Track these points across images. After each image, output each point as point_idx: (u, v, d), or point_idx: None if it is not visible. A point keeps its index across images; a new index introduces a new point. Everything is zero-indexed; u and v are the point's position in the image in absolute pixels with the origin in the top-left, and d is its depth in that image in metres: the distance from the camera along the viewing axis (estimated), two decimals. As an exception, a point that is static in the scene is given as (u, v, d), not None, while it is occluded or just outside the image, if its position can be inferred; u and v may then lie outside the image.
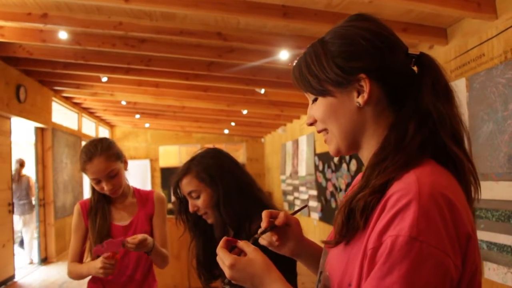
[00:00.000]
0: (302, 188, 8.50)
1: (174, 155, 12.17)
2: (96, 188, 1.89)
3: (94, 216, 1.92)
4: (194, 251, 1.62)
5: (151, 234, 1.98)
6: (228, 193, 1.48)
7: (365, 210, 0.75)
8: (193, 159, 1.56)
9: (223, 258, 0.89)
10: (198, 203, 1.50)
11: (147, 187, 11.65)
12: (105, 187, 1.85)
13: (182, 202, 1.58)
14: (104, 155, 1.82)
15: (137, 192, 2.06)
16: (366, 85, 0.80)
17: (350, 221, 0.77)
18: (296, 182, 8.88)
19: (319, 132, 0.90)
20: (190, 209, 1.52)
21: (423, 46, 3.92)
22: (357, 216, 0.75)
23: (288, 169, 9.56)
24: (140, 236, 1.73)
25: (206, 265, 1.59)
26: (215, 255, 1.52)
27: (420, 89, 0.81)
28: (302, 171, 8.41)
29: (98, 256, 1.76)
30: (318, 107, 0.87)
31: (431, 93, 0.80)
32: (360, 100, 0.81)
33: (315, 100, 0.88)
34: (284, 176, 9.99)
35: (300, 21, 3.48)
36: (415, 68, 0.85)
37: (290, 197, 9.54)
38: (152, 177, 11.99)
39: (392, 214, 0.68)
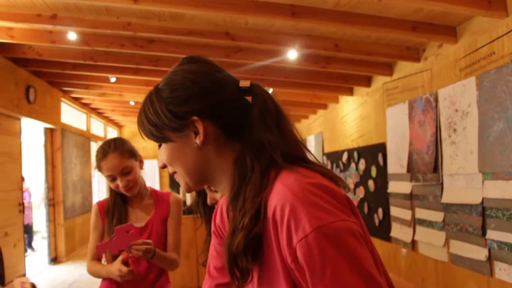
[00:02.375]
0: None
1: (182, 155, 12.19)
2: (112, 186, 1.92)
3: (110, 217, 1.94)
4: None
5: (165, 236, 1.99)
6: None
7: (247, 250, 0.78)
8: None
9: None
10: (217, 196, 1.53)
11: (156, 187, 11.67)
12: (120, 184, 1.88)
13: (201, 195, 1.61)
14: (118, 151, 1.87)
15: (154, 193, 2.08)
16: (200, 127, 0.84)
17: (240, 266, 0.80)
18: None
19: (171, 174, 0.92)
20: (209, 202, 1.55)
21: (432, 44, 3.90)
22: (243, 260, 0.78)
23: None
24: (148, 245, 1.77)
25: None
26: None
27: (251, 121, 0.85)
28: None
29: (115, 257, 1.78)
30: (163, 152, 0.90)
31: (260, 123, 0.84)
32: (198, 141, 0.85)
33: (160, 145, 0.91)
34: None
35: (309, 21, 3.47)
36: (250, 99, 0.88)
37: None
38: (161, 177, 12.03)
39: (286, 223, 0.72)
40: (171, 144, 0.88)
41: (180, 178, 0.91)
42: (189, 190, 0.92)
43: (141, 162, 2.00)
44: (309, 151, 0.88)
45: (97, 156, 1.90)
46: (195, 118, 0.83)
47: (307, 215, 0.70)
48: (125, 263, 1.75)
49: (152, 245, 1.80)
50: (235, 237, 0.79)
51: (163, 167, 0.93)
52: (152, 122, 0.87)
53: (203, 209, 1.63)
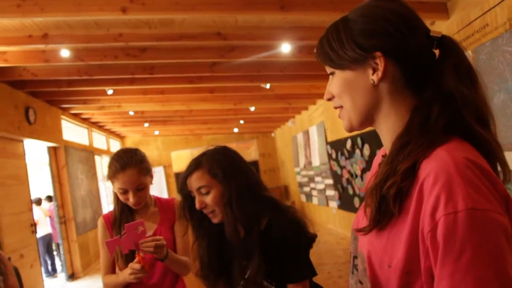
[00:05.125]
0: (317, 178, 8.48)
1: (186, 159, 12.07)
2: (121, 198, 1.89)
3: (118, 227, 1.91)
4: (198, 254, 1.56)
5: (174, 242, 1.99)
6: (241, 191, 1.44)
7: (397, 196, 0.75)
8: (204, 154, 1.52)
9: None
10: (206, 200, 1.46)
11: (164, 194, 11.72)
12: (131, 199, 1.86)
13: (187, 198, 1.53)
14: (137, 167, 1.84)
15: (158, 201, 2.06)
16: (381, 63, 0.81)
17: (383, 208, 0.78)
18: (311, 172, 8.87)
19: (335, 108, 0.92)
20: (197, 206, 1.47)
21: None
22: (390, 203, 0.76)
23: (302, 161, 9.55)
24: (158, 241, 1.74)
25: (212, 266, 1.54)
26: (221, 255, 1.51)
27: (442, 72, 0.81)
28: (316, 161, 8.40)
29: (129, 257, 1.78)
30: (335, 81, 0.89)
31: (453, 76, 0.79)
32: (375, 77, 0.83)
33: (332, 73, 0.90)
34: (298, 168, 9.98)
35: (298, 13, 3.46)
36: (436, 51, 0.85)
37: (306, 189, 9.53)
38: (167, 183, 12.07)
39: (437, 192, 0.68)
40: (346, 72, 0.86)
41: (345, 114, 0.89)
42: (351, 128, 0.90)
43: (151, 178, 1.98)
44: (493, 122, 0.82)
45: (112, 165, 1.84)
46: (378, 53, 0.81)
47: (464, 191, 0.66)
48: (138, 263, 1.72)
49: (163, 241, 1.75)
50: (390, 178, 0.77)
51: (329, 99, 0.92)
52: (333, 48, 0.86)
53: (190, 213, 1.54)
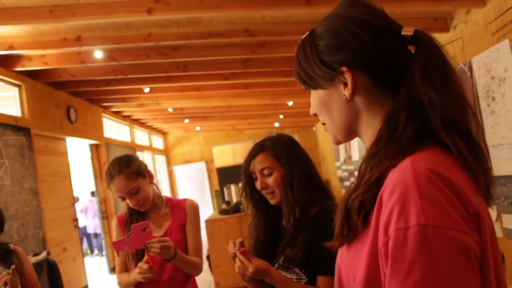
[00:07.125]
0: (357, 173, 8.34)
1: (228, 154, 12.31)
2: (123, 203, 1.96)
3: (129, 228, 1.96)
4: (252, 232, 1.67)
5: (186, 243, 2.00)
6: (301, 175, 1.53)
7: (361, 209, 0.72)
8: (268, 139, 1.62)
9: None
10: (268, 181, 1.55)
11: (206, 188, 11.91)
12: (129, 203, 1.92)
13: (249, 179, 1.63)
14: (123, 174, 1.88)
15: (170, 202, 2.09)
16: (348, 78, 0.78)
17: (349, 222, 0.74)
18: (351, 167, 8.71)
19: (322, 123, 0.89)
20: (259, 186, 1.57)
21: (460, 11, 3.69)
22: (354, 216, 0.73)
23: (342, 155, 9.40)
24: (164, 242, 1.76)
25: (264, 245, 1.63)
26: (273, 237, 1.65)
27: (412, 73, 0.75)
28: (355, 155, 8.24)
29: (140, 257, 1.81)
30: (312, 100, 0.88)
31: (422, 78, 0.73)
32: (346, 93, 0.79)
33: (308, 89, 0.88)
34: (339, 163, 9.83)
35: (324, 6, 3.38)
36: (413, 48, 0.78)
37: (347, 183, 9.38)
38: (209, 177, 12.22)
39: (391, 205, 0.64)
40: (320, 92, 0.84)
41: (329, 130, 0.88)
42: (337, 142, 0.88)
43: (150, 177, 2.00)
44: (476, 117, 0.76)
45: (105, 177, 1.92)
46: (344, 68, 0.78)
47: (418, 206, 0.61)
48: (146, 263, 1.77)
49: (170, 242, 1.79)
50: (355, 191, 0.74)
51: (314, 115, 0.90)
52: (303, 68, 0.85)
53: (250, 194, 1.64)
